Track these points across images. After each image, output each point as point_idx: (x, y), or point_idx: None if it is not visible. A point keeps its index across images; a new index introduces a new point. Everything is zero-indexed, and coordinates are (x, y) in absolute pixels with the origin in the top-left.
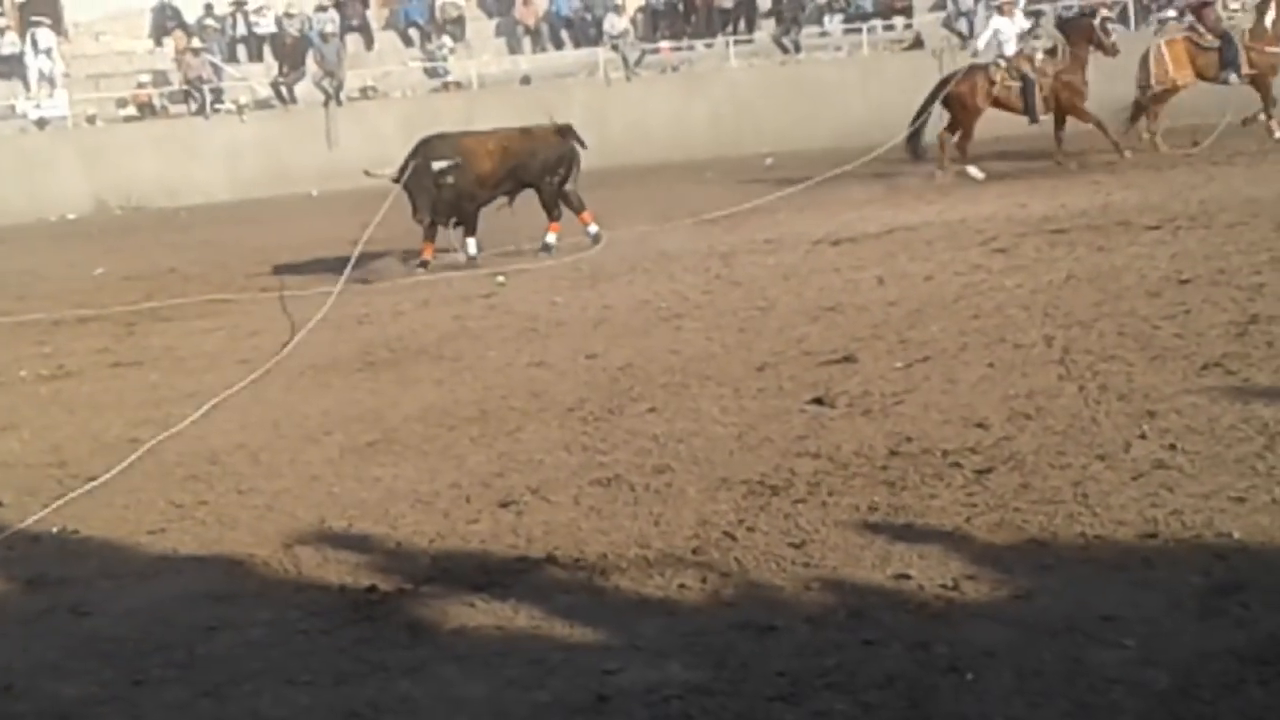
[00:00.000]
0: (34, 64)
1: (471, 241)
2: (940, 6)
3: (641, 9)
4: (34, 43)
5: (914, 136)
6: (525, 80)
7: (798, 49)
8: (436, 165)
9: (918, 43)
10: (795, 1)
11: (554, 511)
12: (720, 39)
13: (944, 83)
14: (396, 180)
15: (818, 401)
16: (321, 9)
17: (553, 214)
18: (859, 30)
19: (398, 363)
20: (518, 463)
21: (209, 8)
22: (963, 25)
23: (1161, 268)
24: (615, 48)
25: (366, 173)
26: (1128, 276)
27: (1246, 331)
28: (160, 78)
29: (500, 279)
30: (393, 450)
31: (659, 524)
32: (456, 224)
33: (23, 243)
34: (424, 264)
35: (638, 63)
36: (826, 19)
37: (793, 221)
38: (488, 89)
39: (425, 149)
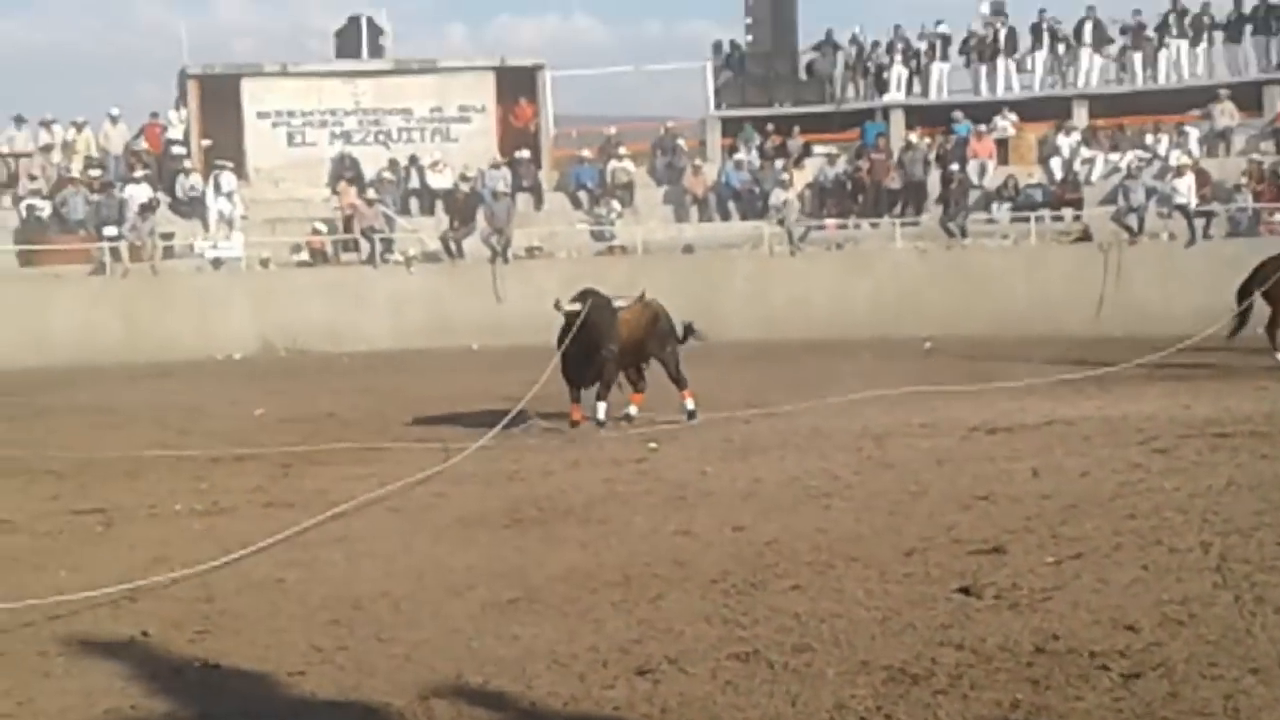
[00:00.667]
0: (214, 205)
1: (602, 406)
2: (1111, 200)
3: (810, 185)
4: (216, 185)
5: (1240, 322)
6: (688, 248)
7: (964, 234)
8: (617, 301)
9: (1086, 235)
10: (963, 187)
11: (691, 683)
12: (886, 220)
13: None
14: (575, 315)
15: (964, 591)
16: (495, 167)
17: (680, 382)
18: (1026, 219)
19: (545, 521)
20: (657, 631)
21: (394, 163)
22: (1132, 220)
23: None
24: (781, 222)
25: (557, 304)
26: None
27: None
28: (334, 225)
29: (653, 445)
30: (534, 609)
31: (796, 704)
32: (594, 384)
33: (190, 379)
34: (574, 424)
35: (802, 238)
36: (995, 206)
37: (949, 407)
38: (652, 254)
39: (593, 294)
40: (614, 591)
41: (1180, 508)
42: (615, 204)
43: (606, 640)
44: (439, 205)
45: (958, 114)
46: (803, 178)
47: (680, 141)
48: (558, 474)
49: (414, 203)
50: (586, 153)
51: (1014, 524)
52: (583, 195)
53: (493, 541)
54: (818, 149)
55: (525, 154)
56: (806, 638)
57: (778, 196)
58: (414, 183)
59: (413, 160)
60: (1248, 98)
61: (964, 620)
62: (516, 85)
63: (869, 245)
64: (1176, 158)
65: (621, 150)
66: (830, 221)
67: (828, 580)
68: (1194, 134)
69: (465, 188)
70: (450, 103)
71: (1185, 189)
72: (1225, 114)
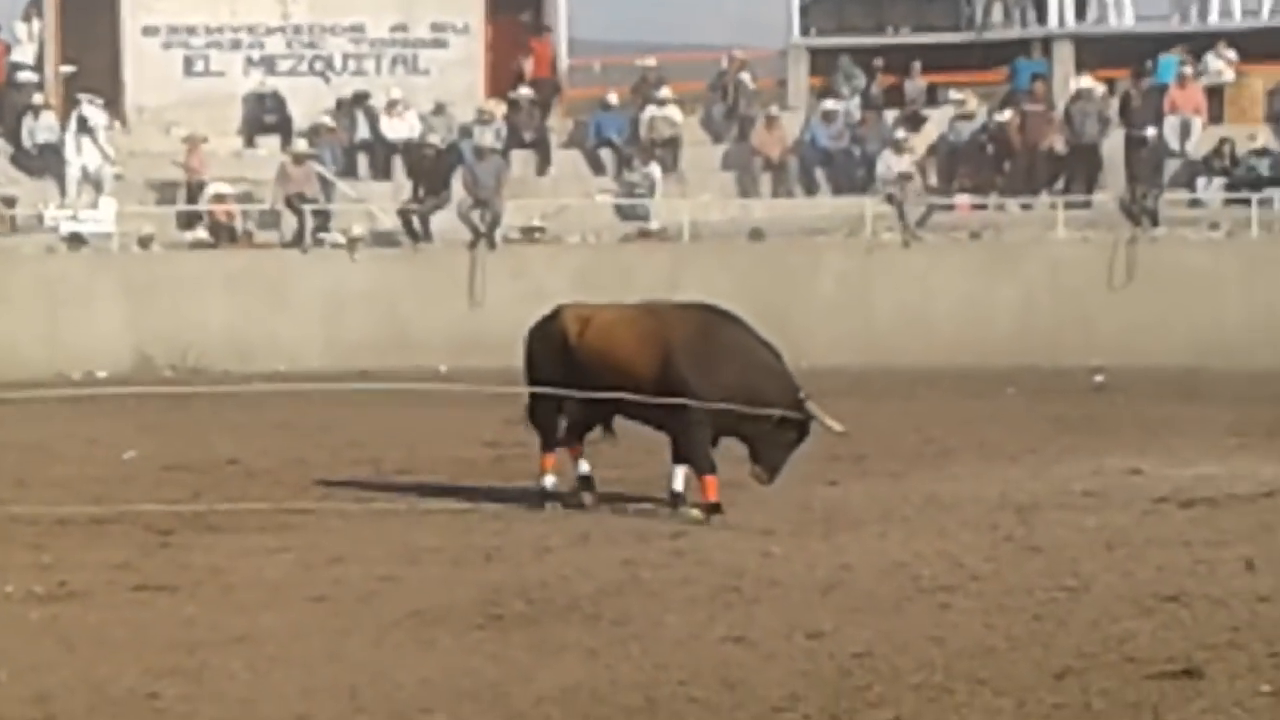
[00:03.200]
0: (75, 159)
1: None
2: None
3: (934, 148)
4: (81, 130)
5: None
6: (757, 234)
7: (1155, 221)
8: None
9: None
10: (1156, 155)
11: None
12: (1044, 198)
13: None
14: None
15: None
16: (484, 118)
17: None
18: (1247, 202)
19: (536, 620)
20: None
21: (341, 104)
22: None
23: None
24: (890, 198)
25: None
26: None
27: None
28: (248, 192)
29: (695, 512)
30: None
31: None
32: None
33: (34, 408)
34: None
35: (922, 222)
36: (1201, 182)
37: (1126, 469)
38: (703, 241)
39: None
40: None
41: None
42: (653, 168)
43: None
44: (398, 165)
45: (1152, 51)
46: (924, 137)
47: (748, 80)
48: (557, 552)
49: (362, 160)
50: (613, 95)
51: (1215, 637)
52: (606, 155)
53: (460, 647)
54: (948, 95)
55: (526, 94)
56: None
57: (888, 163)
58: (363, 132)
59: (361, 100)
60: None
61: None
62: None
63: (1018, 235)
64: None
65: (664, 92)
66: (963, 200)
67: (943, 712)
68: None
69: (437, 141)
70: (419, 19)
71: None
72: None
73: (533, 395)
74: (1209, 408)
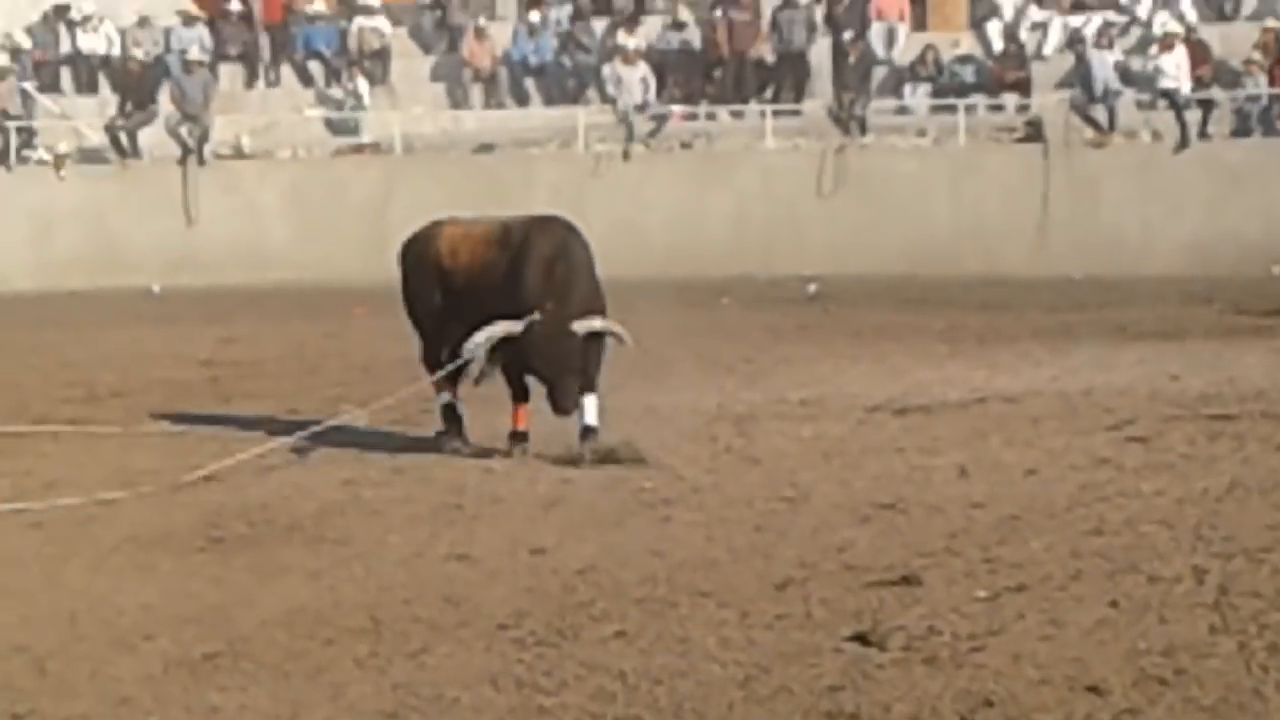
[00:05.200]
0: None
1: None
2: (1071, 83)
3: (642, 55)
4: None
5: None
6: (486, 147)
7: (864, 129)
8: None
9: (1035, 133)
10: (864, 62)
11: None
12: (754, 106)
13: None
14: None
15: (861, 639)
16: (187, 24)
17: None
18: (953, 109)
19: (257, 542)
20: (421, 700)
21: (47, 17)
22: (1100, 112)
23: None
24: (617, 106)
25: None
26: None
27: None
28: None
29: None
30: (240, 669)
31: None
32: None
33: None
34: (518, 437)
35: (654, 133)
36: (908, 90)
37: (841, 376)
38: (415, 155)
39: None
40: (358, 643)
41: (1165, 520)
42: (362, 81)
43: (347, 713)
44: (103, 81)
45: None
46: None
47: None
48: (278, 472)
49: (66, 75)
50: (320, 5)
51: (932, 544)
52: (315, 67)
53: (180, 571)
54: (656, 4)
55: (234, 5)
56: (636, 707)
57: (619, 73)
58: (66, 46)
59: (62, 12)
60: None
61: (860, 680)
62: None
63: (729, 144)
64: (1162, 23)
65: (372, 2)
66: (675, 109)
67: (666, 625)
68: None
69: (140, 55)
70: None
71: (1174, 68)
72: None
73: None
74: (920, 315)
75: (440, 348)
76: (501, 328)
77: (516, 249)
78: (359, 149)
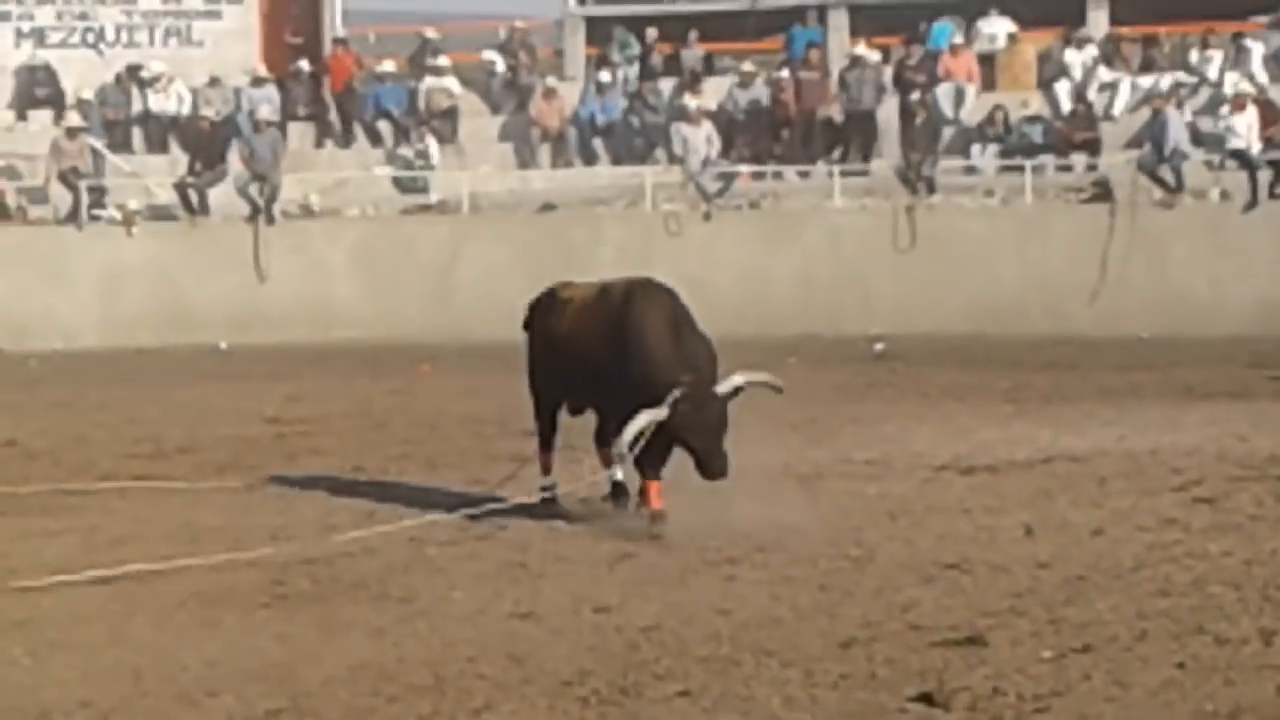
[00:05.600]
0: None
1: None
2: (1140, 143)
3: (712, 116)
4: None
5: None
6: (549, 206)
7: (932, 188)
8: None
9: (1104, 192)
10: (932, 122)
11: None
12: (821, 166)
13: None
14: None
15: (926, 700)
16: (257, 84)
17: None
18: (1020, 169)
19: (322, 599)
20: None
21: (119, 78)
22: (1168, 172)
23: None
24: (690, 171)
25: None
26: None
27: None
28: (15, 167)
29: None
30: None
31: None
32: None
33: None
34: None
35: (721, 193)
36: (976, 150)
37: (907, 436)
38: (482, 214)
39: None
40: (422, 700)
41: (1232, 581)
42: (431, 141)
43: None
44: (173, 140)
45: (925, 17)
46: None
47: (525, 50)
48: (342, 530)
49: (137, 134)
50: (389, 65)
51: (997, 604)
52: (384, 127)
53: (245, 627)
54: (724, 64)
55: (304, 66)
56: None
57: (683, 134)
58: (138, 105)
59: (134, 72)
60: None
61: None
62: None
63: (796, 203)
64: (1233, 84)
65: (442, 62)
66: (743, 169)
67: (730, 684)
68: (1258, 50)
69: (212, 114)
70: None
71: (1245, 128)
72: None
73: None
74: (986, 374)
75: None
76: (647, 417)
77: (623, 319)
78: (426, 208)
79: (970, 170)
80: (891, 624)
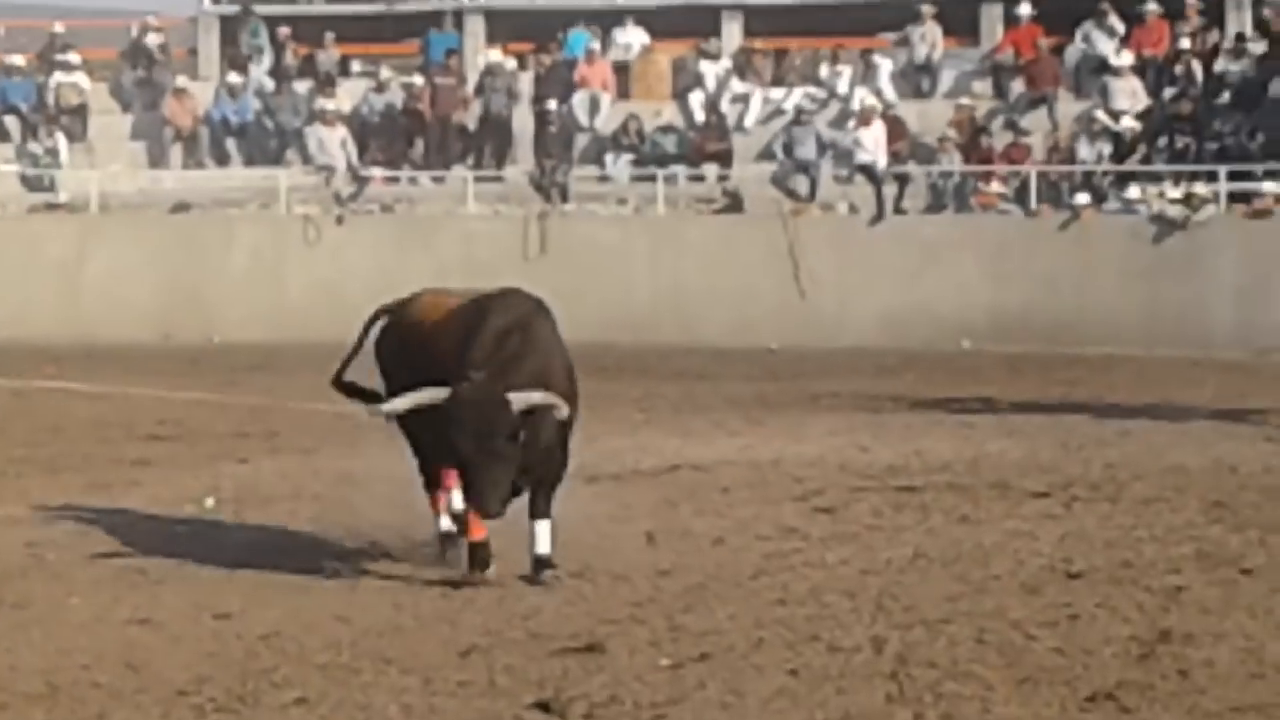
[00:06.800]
0: None
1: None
2: (771, 155)
3: (346, 120)
4: None
5: None
6: (182, 206)
7: (565, 196)
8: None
9: (735, 203)
10: (566, 131)
11: None
12: (457, 172)
13: None
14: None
15: (543, 707)
16: None
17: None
18: (653, 179)
19: None
20: None
21: None
22: (800, 184)
23: (1045, 553)
24: (323, 169)
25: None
26: (998, 562)
27: (1153, 653)
28: None
29: (210, 501)
30: None
31: None
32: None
33: None
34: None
35: (355, 196)
36: (610, 159)
37: None
38: (112, 214)
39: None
40: (34, 708)
41: (847, 590)
42: (60, 137)
43: None
44: None
45: (562, 25)
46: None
47: (159, 48)
48: None
49: None
50: (18, 59)
51: (617, 612)
52: (11, 122)
53: None
54: (358, 66)
55: None
56: None
57: (319, 136)
58: None
59: None
60: (959, 18)
61: None
62: None
63: (431, 209)
64: (861, 99)
65: (72, 58)
66: (377, 172)
67: (349, 692)
68: (886, 66)
69: None
70: None
71: (872, 143)
72: (928, 40)
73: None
74: (617, 382)
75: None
76: (429, 394)
77: (469, 324)
78: (55, 206)
79: (604, 179)
80: (512, 632)
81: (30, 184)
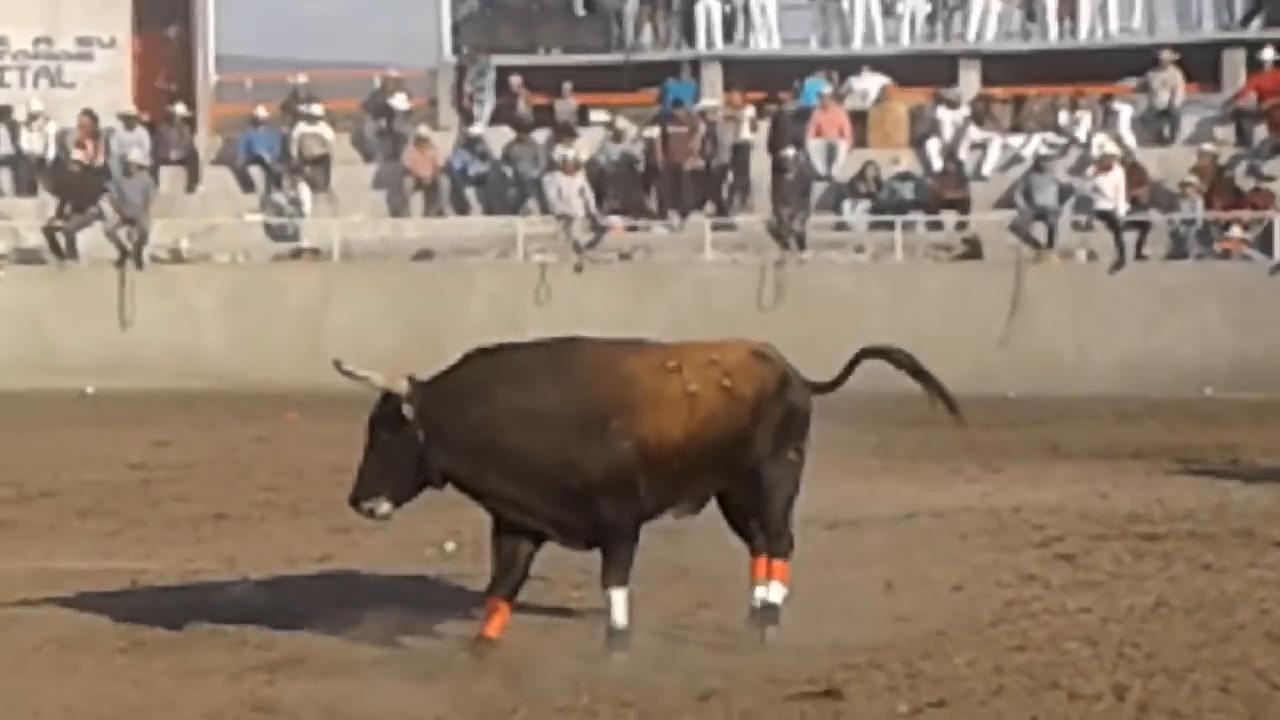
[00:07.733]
0: None
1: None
2: (1010, 202)
3: (584, 167)
4: None
5: None
6: (425, 254)
7: (802, 244)
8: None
9: (974, 250)
10: (803, 179)
11: None
12: (694, 219)
13: None
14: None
15: None
16: (129, 127)
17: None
18: (890, 226)
19: (180, 645)
20: None
21: None
22: (1039, 231)
23: None
24: (562, 218)
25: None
26: (1242, 610)
27: None
28: None
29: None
30: None
31: None
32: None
33: None
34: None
35: (593, 244)
36: (847, 206)
37: None
38: (354, 261)
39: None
40: None
41: (1088, 637)
42: (303, 187)
43: None
44: (40, 181)
45: (798, 73)
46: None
47: (401, 100)
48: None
49: (4, 175)
50: (263, 111)
51: (855, 657)
52: (256, 173)
53: (102, 673)
54: (597, 116)
55: (179, 109)
56: None
57: (558, 185)
58: (6, 146)
59: (3, 114)
60: (1201, 64)
61: None
62: (164, 8)
63: (667, 256)
64: (1100, 145)
65: (315, 109)
66: (615, 220)
67: None
68: (1126, 112)
69: (81, 156)
70: (64, 32)
71: (1112, 189)
72: (1168, 85)
73: None
74: (854, 429)
75: None
76: (381, 378)
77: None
78: (298, 254)
79: (841, 226)
80: (750, 676)
81: (274, 233)
